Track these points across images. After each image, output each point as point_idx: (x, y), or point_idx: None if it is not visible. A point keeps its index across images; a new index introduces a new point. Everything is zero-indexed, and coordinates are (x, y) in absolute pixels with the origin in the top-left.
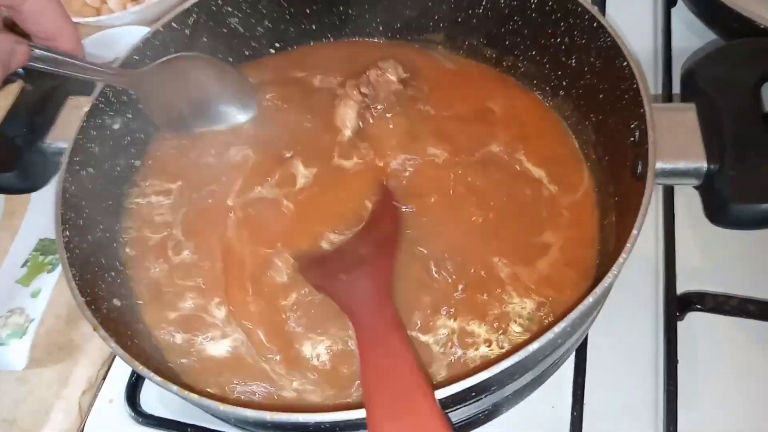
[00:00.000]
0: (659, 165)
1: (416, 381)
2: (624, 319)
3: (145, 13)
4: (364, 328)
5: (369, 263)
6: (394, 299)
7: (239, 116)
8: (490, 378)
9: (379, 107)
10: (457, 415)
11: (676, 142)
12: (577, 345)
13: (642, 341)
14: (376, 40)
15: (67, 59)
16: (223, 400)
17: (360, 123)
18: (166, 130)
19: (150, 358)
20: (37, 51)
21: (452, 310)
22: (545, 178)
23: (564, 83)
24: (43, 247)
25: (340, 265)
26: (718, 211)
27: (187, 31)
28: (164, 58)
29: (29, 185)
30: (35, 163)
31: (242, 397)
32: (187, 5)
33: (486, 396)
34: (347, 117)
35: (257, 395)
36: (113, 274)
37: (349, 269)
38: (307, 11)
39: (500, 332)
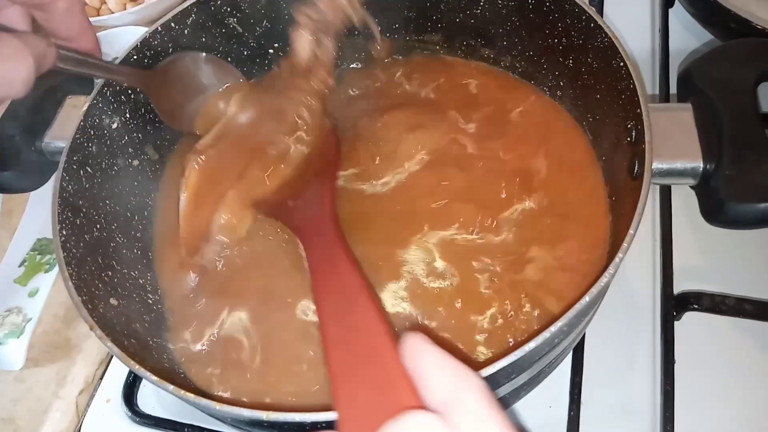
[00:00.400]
0: (656, 165)
1: (358, 282)
2: (621, 319)
3: (145, 13)
4: (310, 242)
5: (312, 188)
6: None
7: None
8: (486, 377)
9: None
10: None
11: (673, 141)
12: (574, 344)
13: (639, 341)
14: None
15: (89, 60)
16: (219, 399)
17: (316, 51)
18: (179, 130)
19: (146, 358)
20: (62, 52)
21: None
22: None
23: (561, 83)
24: (41, 247)
25: (288, 193)
26: (714, 211)
27: (185, 31)
28: (173, 56)
29: (27, 184)
30: (33, 162)
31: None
32: (185, 5)
33: None
34: (300, 43)
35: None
36: (110, 273)
37: (295, 195)
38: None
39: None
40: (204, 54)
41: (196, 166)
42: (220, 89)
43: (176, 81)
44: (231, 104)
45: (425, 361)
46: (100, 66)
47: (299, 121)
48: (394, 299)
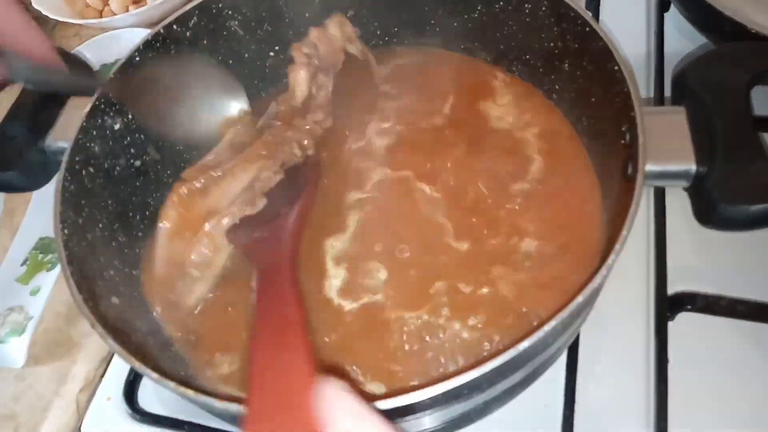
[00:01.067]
0: (649, 167)
1: (298, 323)
2: (616, 319)
3: (147, 15)
4: (264, 275)
5: (280, 221)
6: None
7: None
8: (480, 376)
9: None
10: (448, 412)
11: (666, 144)
12: (568, 344)
13: (633, 341)
14: (372, 44)
15: (48, 70)
16: (219, 396)
17: (313, 89)
18: (166, 137)
19: (147, 356)
20: (14, 65)
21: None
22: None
23: (557, 86)
24: (43, 246)
25: (257, 223)
26: (707, 213)
27: (188, 33)
28: (149, 63)
29: (30, 184)
30: (36, 162)
31: None
32: (188, 7)
33: (477, 394)
34: (296, 81)
35: None
36: (112, 272)
37: (263, 227)
38: (306, 15)
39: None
40: (195, 58)
41: (179, 196)
42: (222, 110)
43: (159, 88)
44: (226, 134)
45: (341, 413)
46: (64, 77)
47: (289, 158)
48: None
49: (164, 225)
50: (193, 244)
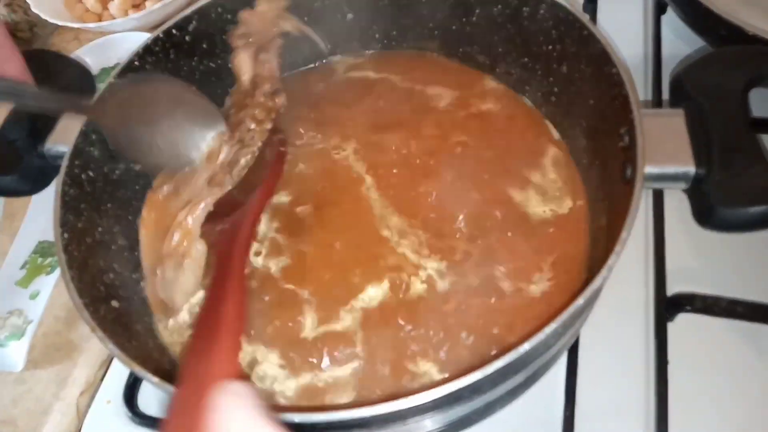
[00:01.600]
0: (647, 169)
1: (228, 320)
2: (615, 320)
3: (147, 19)
4: (215, 269)
5: (241, 210)
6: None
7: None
8: (482, 378)
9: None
10: (450, 414)
11: (665, 146)
12: (568, 346)
13: (633, 342)
14: (371, 47)
15: (22, 88)
16: None
17: (257, 67)
18: (138, 163)
19: (147, 359)
20: None
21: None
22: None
23: (555, 89)
24: (43, 250)
25: (226, 215)
26: (706, 215)
27: (187, 38)
28: (124, 82)
29: (29, 188)
30: (35, 166)
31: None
32: (187, 12)
33: (479, 396)
34: (239, 65)
35: None
36: (111, 276)
37: (224, 219)
38: (305, 19)
39: None
40: (157, 77)
41: (153, 204)
42: (199, 138)
43: (127, 110)
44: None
45: (231, 420)
46: (33, 95)
47: (245, 134)
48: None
49: (143, 233)
50: (167, 236)
